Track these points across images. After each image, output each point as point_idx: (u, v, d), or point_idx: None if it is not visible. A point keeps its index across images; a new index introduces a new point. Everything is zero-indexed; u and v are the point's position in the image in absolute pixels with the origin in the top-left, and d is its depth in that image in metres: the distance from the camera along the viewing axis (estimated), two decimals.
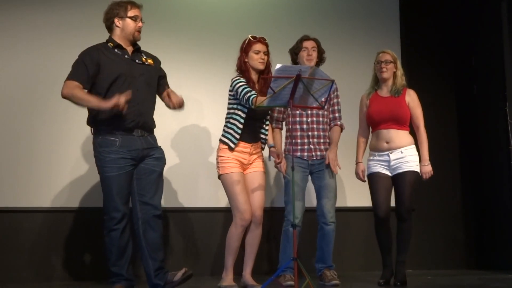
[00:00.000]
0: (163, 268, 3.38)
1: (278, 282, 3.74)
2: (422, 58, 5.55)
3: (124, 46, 3.42)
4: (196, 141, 4.78)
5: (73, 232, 4.47)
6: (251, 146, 3.69)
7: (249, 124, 3.64)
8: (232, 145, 3.61)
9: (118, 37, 3.42)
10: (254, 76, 3.72)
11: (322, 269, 3.90)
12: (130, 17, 3.40)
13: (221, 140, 3.69)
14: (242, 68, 3.71)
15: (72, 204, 4.48)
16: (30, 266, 4.33)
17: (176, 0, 4.96)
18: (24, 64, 4.55)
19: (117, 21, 3.41)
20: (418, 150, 3.96)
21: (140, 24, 3.43)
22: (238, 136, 3.62)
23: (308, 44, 4.00)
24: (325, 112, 4.01)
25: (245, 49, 3.70)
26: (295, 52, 4.04)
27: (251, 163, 3.71)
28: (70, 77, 3.30)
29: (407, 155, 3.86)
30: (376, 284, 3.84)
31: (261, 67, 3.69)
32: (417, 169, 3.88)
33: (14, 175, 4.40)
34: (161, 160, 3.45)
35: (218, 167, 3.67)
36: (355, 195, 4.91)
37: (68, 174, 4.51)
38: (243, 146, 3.65)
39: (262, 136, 3.79)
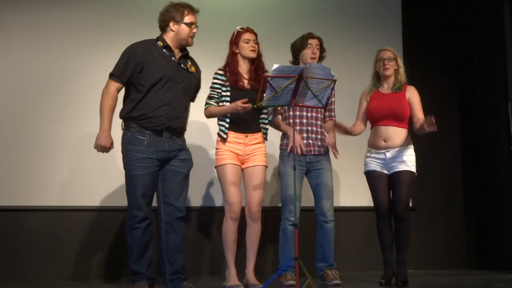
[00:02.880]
0: (180, 274, 3.37)
1: (280, 282, 3.74)
2: (424, 57, 5.55)
3: (173, 48, 3.45)
4: (195, 139, 4.76)
5: (75, 232, 4.48)
6: (246, 136, 3.70)
7: (238, 114, 3.65)
8: (224, 136, 3.66)
9: (170, 39, 3.46)
10: (244, 66, 3.77)
11: (324, 268, 3.90)
12: (186, 23, 3.43)
13: (218, 132, 3.74)
14: (229, 61, 3.76)
15: (74, 203, 4.49)
16: (31, 265, 4.33)
17: None
18: (25, 63, 4.56)
19: (172, 25, 3.44)
20: (416, 150, 3.95)
21: (194, 30, 3.46)
22: (227, 125, 3.67)
23: (313, 41, 4.03)
24: (323, 110, 4.04)
25: (235, 40, 3.77)
26: (298, 49, 4.05)
27: (250, 155, 3.71)
28: (114, 74, 3.34)
29: (404, 155, 3.86)
30: (378, 284, 3.84)
31: (252, 55, 3.74)
32: (413, 169, 3.89)
33: (15, 174, 4.40)
34: (187, 161, 3.46)
35: (215, 159, 3.73)
36: (355, 194, 4.91)
37: (70, 173, 4.52)
38: (236, 137, 3.68)
39: (262, 126, 3.79)
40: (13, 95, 4.50)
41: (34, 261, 4.34)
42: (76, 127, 4.56)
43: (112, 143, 3.30)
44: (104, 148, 3.29)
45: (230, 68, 3.72)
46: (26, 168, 4.43)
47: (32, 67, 4.57)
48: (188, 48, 3.53)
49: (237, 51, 3.77)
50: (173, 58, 3.43)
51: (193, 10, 3.47)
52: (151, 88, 3.32)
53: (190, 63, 3.52)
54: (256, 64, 3.76)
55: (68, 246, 4.44)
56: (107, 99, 3.31)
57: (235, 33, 3.78)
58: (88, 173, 4.54)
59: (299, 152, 3.80)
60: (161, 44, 3.43)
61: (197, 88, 3.62)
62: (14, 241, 4.34)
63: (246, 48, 3.73)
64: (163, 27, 3.47)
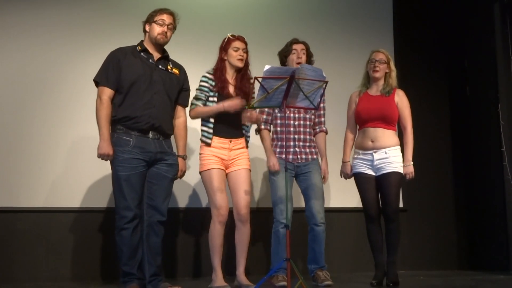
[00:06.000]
0: (158, 275, 3.44)
1: (271, 283, 3.74)
2: (415, 59, 5.57)
3: (151, 51, 3.53)
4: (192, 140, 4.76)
5: (68, 233, 4.45)
6: (230, 141, 3.71)
7: (223, 118, 3.66)
8: (208, 141, 3.68)
9: (147, 42, 3.56)
10: (231, 73, 3.79)
11: (315, 269, 3.90)
12: (156, 21, 3.51)
13: (200, 138, 3.75)
14: (218, 67, 3.77)
15: (67, 204, 4.45)
16: (23, 267, 4.29)
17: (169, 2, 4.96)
18: (18, 64, 4.51)
19: (146, 27, 3.56)
20: (403, 150, 3.96)
21: (164, 28, 3.51)
22: (211, 131, 3.69)
23: (298, 47, 4.02)
24: (312, 116, 4.04)
25: (225, 47, 3.78)
26: (284, 55, 4.05)
27: (234, 160, 3.72)
28: (102, 81, 3.41)
29: (390, 156, 3.86)
30: (369, 285, 3.84)
31: (239, 64, 3.75)
32: (401, 169, 3.89)
33: (7, 175, 4.36)
34: (174, 166, 3.52)
35: (199, 164, 3.74)
36: (345, 196, 4.89)
37: (63, 174, 4.48)
38: (221, 142, 3.69)
39: (245, 132, 3.81)
40: (5, 96, 4.46)
41: (27, 262, 4.30)
42: (68, 128, 4.53)
43: (113, 151, 3.34)
44: (107, 156, 3.33)
45: (218, 74, 3.74)
46: (18, 169, 4.39)
47: (24, 68, 4.52)
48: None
49: (225, 57, 3.78)
50: (150, 60, 3.50)
51: (166, 11, 3.55)
52: (130, 89, 3.39)
53: (171, 65, 3.59)
54: (242, 73, 3.78)
55: (61, 247, 4.41)
56: (102, 109, 3.37)
57: (226, 40, 3.79)
58: (81, 174, 4.50)
59: (274, 169, 3.86)
60: (140, 48, 3.53)
61: (183, 89, 3.65)
62: (6, 242, 4.30)
63: (234, 57, 3.74)
64: (144, 32, 3.60)
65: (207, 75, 3.77)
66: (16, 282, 4.21)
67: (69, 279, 4.37)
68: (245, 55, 3.77)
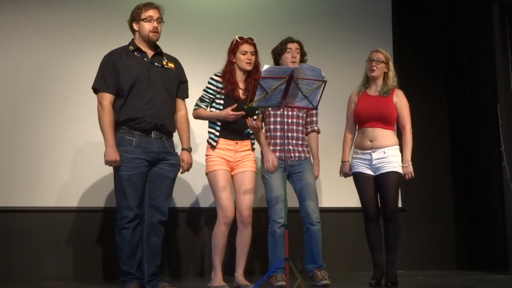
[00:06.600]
0: (157, 275, 3.45)
1: (270, 283, 3.75)
2: (414, 59, 5.58)
3: (144, 49, 3.50)
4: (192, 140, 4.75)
5: (68, 233, 4.45)
6: (236, 143, 3.72)
7: (229, 121, 3.65)
8: (214, 143, 3.69)
9: (138, 40, 3.53)
10: (240, 75, 3.77)
11: (313, 269, 3.91)
12: (144, 19, 3.47)
13: (207, 140, 3.75)
14: (226, 69, 3.76)
15: (67, 204, 4.45)
16: (22, 266, 4.29)
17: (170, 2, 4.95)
18: (17, 63, 4.52)
19: (134, 25, 3.52)
20: (402, 150, 3.96)
21: (154, 24, 3.48)
22: (218, 133, 3.69)
23: (293, 46, 4.01)
24: (304, 114, 4.04)
25: (233, 50, 3.76)
26: (278, 54, 4.04)
27: (239, 162, 3.73)
28: (101, 87, 3.39)
29: (389, 155, 3.86)
30: (367, 285, 3.85)
31: (248, 67, 3.74)
32: (400, 169, 3.89)
33: (7, 174, 4.36)
34: (176, 166, 3.53)
35: (206, 165, 3.74)
36: (344, 195, 4.87)
37: (64, 174, 4.49)
38: (226, 144, 3.69)
39: (251, 135, 3.81)
40: (3, 95, 4.46)
41: (27, 262, 4.30)
42: (68, 127, 4.53)
43: (120, 156, 3.34)
44: (115, 162, 3.33)
45: (227, 77, 3.72)
46: (17, 168, 4.38)
47: (21, 67, 4.52)
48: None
49: (234, 60, 3.76)
50: (145, 59, 3.48)
51: (150, 6, 3.51)
52: (130, 91, 3.39)
53: (166, 60, 3.57)
54: (253, 75, 3.73)
55: (61, 247, 4.40)
56: (105, 115, 3.36)
57: (234, 43, 3.77)
58: (80, 173, 4.50)
59: (271, 170, 3.79)
60: (132, 48, 3.51)
61: (181, 82, 3.63)
62: (6, 242, 4.29)
63: (243, 60, 3.73)
64: (131, 30, 3.56)
65: (215, 77, 3.76)
66: (16, 282, 4.21)
67: (69, 279, 4.37)
68: (253, 57, 3.74)
